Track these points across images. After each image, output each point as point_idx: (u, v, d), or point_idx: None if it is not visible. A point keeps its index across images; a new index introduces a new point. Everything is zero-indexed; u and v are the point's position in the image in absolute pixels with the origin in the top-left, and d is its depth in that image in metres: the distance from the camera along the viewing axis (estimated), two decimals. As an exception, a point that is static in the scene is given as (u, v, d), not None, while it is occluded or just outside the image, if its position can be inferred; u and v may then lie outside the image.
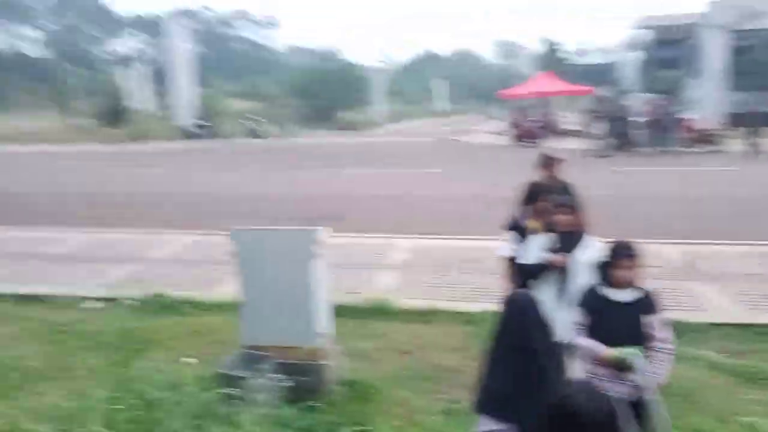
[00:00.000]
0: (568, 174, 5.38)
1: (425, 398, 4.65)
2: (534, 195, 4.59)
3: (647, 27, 32.25)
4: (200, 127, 31.20)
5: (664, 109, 19.43)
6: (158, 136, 31.09)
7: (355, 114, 42.13)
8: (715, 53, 26.91)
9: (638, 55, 38.15)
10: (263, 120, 33.52)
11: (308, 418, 4.09)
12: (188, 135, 30.73)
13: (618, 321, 3.17)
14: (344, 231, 10.11)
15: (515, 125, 24.05)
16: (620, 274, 3.20)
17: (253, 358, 4.44)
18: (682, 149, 19.13)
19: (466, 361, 5.14)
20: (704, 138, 19.07)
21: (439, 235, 9.60)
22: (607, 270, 3.24)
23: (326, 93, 40.61)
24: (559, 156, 5.37)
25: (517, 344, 2.39)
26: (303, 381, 4.39)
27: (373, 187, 14.82)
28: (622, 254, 3.22)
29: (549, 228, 4.21)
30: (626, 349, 3.07)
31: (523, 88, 27.45)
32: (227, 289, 6.47)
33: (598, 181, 12.92)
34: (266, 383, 4.20)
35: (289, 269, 4.50)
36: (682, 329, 5.62)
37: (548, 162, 5.25)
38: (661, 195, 12.68)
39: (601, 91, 27.39)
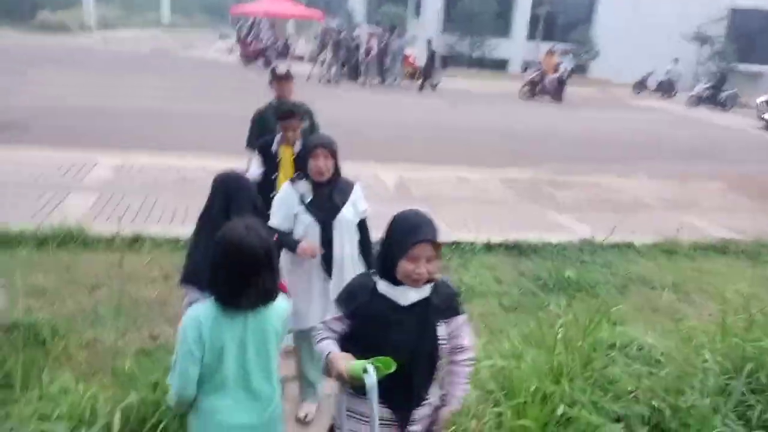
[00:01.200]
0: (298, 96, 4.91)
1: (117, 338, 3.94)
2: (281, 115, 4.04)
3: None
4: None
5: (389, 43, 20.19)
6: None
7: (62, 15, 36.08)
8: (433, -5, 28.94)
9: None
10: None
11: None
12: None
13: (401, 329, 2.16)
14: (30, 144, 8.48)
15: (244, 44, 22.91)
16: (409, 268, 2.11)
17: None
18: (402, 82, 20.35)
19: (170, 292, 4.53)
20: (425, 76, 20.36)
21: (150, 152, 8.54)
22: (389, 260, 2.16)
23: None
24: (290, 73, 4.78)
25: (221, 220, 2.45)
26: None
27: (75, 96, 12.69)
28: (417, 238, 2.10)
29: (298, 163, 3.69)
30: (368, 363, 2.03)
31: (255, 6, 26.21)
32: None
33: (326, 105, 12.87)
34: None
35: None
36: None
37: (281, 78, 4.71)
38: (387, 121, 13.19)
39: (331, 21, 27.53)
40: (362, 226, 3.34)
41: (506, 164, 10.04)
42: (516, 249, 6.36)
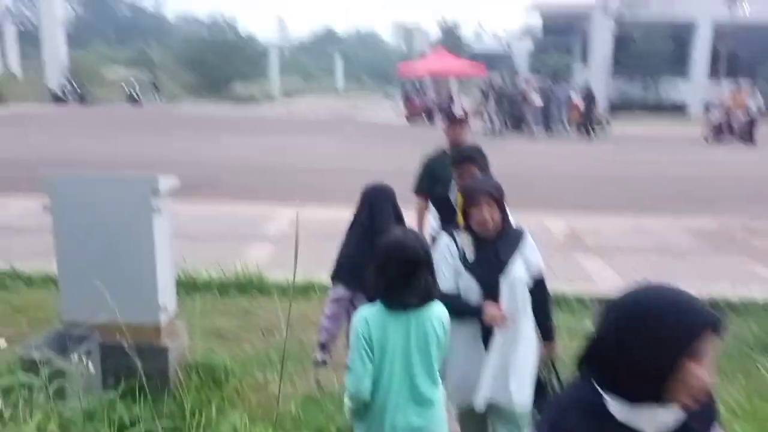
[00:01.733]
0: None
1: (287, 382, 4.00)
2: (456, 160, 3.65)
3: (537, 13, 33.00)
4: (69, 90, 28.71)
5: (554, 93, 19.75)
6: (24, 98, 28.23)
7: (250, 87, 40.40)
8: (601, 41, 28.01)
9: (529, 42, 39.23)
10: (147, 86, 31.40)
11: (138, 409, 3.33)
12: (56, 98, 28.25)
13: None
14: (218, 199, 9.29)
15: (409, 102, 23.73)
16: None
17: (72, 337, 3.59)
18: (571, 130, 19.66)
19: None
20: (594, 122, 19.61)
21: (324, 204, 8.93)
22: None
23: (219, 64, 38.58)
24: (466, 116, 4.49)
25: (367, 224, 2.99)
26: (137, 365, 3.60)
27: (259, 156, 13.86)
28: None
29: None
30: None
31: (419, 65, 27.21)
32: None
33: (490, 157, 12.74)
34: (82, 368, 3.36)
35: (120, 227, 3.66)
36: (569, 302, 5.39)
37: (456, 121, 4.36)
38: (551, 170, 12.71)
39: (495, 75, 27.72)
40: (538, 287, 2.70)
41: (691, 212, 9.09)
42: (708, 306, 5.59)
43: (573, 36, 32.78)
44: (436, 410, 2.35)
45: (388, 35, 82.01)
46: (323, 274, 5.88)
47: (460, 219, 3.34)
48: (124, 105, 29.26)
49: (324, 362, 3.31)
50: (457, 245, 2.63)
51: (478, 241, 2.61)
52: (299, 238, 7.37)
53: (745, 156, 15.81)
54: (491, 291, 2.58)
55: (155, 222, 3.69)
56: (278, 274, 5.95)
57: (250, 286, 5.72)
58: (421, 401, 2.30)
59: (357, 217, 3.23)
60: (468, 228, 2.61)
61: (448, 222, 3.60)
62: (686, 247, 7.41)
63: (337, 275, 3.19)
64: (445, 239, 2.70)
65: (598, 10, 27.30)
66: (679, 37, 27.31)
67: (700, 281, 6.18)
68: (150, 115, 25.02)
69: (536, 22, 37.94)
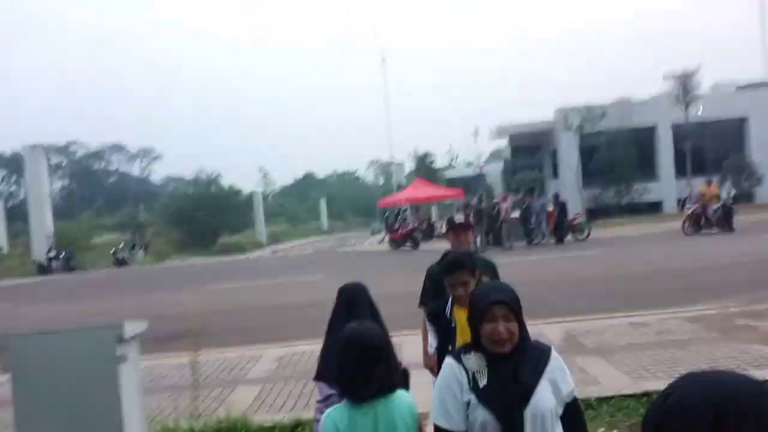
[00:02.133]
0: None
1: None
2: (445, 268, 3.30)
3: (503, 136, 34.55)
4: (54, 259, 28.81)
5: (531, 206, 20.13)
6: (10, 273, 28.21)
7: (238, 237, 40.96)
8: (568, 154, 29.17)
9: (500, 163, 40.79)
10: (135, 247, 31.69)
11: None
12: (41, 269, 28.26)
13: None
14: (203, 347, 8.94)
15: (392, 230, 23.98)
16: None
17: None
18: (551, 240, 19.80)
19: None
20: (571, 229, 19.87)
21: (311, 339, 8.61)
22: None
23: (205, 218, 39.42)
24: (468, 222, 4.48)
25: (345, 322, 2.72)
26: None
27: (245, 300, 13.62)
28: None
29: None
30: None
31: (399, 195, 27.92)
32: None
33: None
34: None
35: (84, 382, 3.40)
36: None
37: (457, 228, 4.19)
38: (539, 279, 12.56)
39: (471, 197, 28.45)
40: (571, 414, 2.15)
41: (686, 303, 8.89)
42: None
43: (541, 152, 34.20)
44: None
45: (365, 172, 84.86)
46: (312, 412, 5.54)
47: (461, 338, 3.04)
48: (111, 268, 29.28)
49: None
50: (466, 370, 2.11)
51: (492, 363, 2.09)
52: (287, 377, 7.03)
53: (725, 242, 15.87)
54: (513, 426, 2.02)
55: (121, 371, 3.45)
56: (265, 417, 5.57)
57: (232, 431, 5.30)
58: None
59: (334, 316, 3.31)
60: (477, 346, 2.13)
61: (445, 340, 3.32)
62: (688, 336, 7.13)
63: (321, 377, 3.22)
64: (450, 363, 2.17)
65: (559, 127, 28.69)
66: (642, 141, 28.57)
67: (708, 367, 5.87)
68: (136, 273, 24.95)
69: (505, 143, 39.69)
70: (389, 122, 64.87)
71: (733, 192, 19.06)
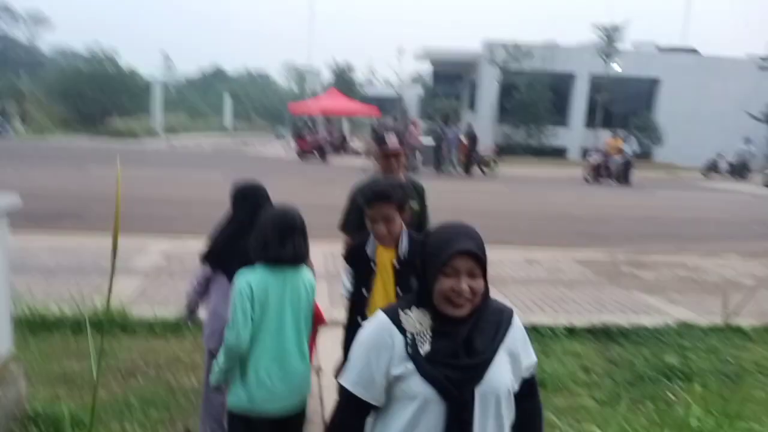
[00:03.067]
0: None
1: (147, 431, 3.42)
2: (369, 199, 2.70)
3: (427, 59, 34.19)
4: None
5: (446, 134, 20.26)
6: None
7: (130, 122, 38.50)
8: (487, 89, 29.40)
9: (420, 89, 40.57)
10: (13, 118, 29.12)
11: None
12: None
13: None
14: (82, 231, 8.43)
15: (300, 139, 23.42)
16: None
17: None
18: (459, 170, 20.18)
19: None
20: (480, 162, 20.29)
21: (203, 237, 8.32)
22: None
23: (96, 97, 36.64)
24: (403, 144, 3.58)
25: (246, 219, 3.03)
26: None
27: (131, 188, 12.88)
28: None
29: (401, 277, 2.67)
30: None
31: (312, 104, 27.16)
32: None
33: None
34: None
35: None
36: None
37: (389, 150, 3.45)
38: (444, 207, 12.77)
39: (386, 119, 28.20)
40: (527, 393, 1.79)
41: (578, 245, 9.35)
42: (603, 334, 5.59)
43: (461, 83, 34.27)
44: (303, 366, 2.64)
45: (279, 76, 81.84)
46: (199, 311, 5.35)
47: (380, 286, 2.70)
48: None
49: (190, 320, 3.57)
50: (402, 331, 1.67)
51: (440, 325, 1.66)
52: (172, 272, 6.76)
53: (622, 195, 16.82)
54: (459, 406, 1.62)
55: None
56: (146, 310, 5.31)
57: (112, 324, 5.03)
58: (290, 354, 2.59)
59: (232, 210, 3.30)
60: (421, 301, 1.69)
61: (360, 284, 2.75)
62: (577, 278, 7.53)
63: (207, 258, 3.29)
64: (381, 320, 1.71)
65: (484, 59, 28.70)
66: (560, 88, 29.24)
67: (594, 309, 6.24)
68: (11, 146, 22.98)
69: (427, 68, 39.36)
70: (311, 27, 62.30)
71: (635, 148, 20.09)
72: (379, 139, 3.51)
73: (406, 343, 1.65)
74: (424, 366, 1.62)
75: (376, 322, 1.71)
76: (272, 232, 2.59)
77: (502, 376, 1.67)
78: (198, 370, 4.38)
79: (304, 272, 2.69)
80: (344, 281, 2.93)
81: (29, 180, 13.11)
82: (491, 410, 1.66)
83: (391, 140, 3.46)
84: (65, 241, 7.84)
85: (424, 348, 1.64)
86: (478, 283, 1.65)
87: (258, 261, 2.61)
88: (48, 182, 13.06)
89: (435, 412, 1.63)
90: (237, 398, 2.58)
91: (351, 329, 2.70)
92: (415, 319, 1.67)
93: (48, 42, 72.96)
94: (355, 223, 3.21)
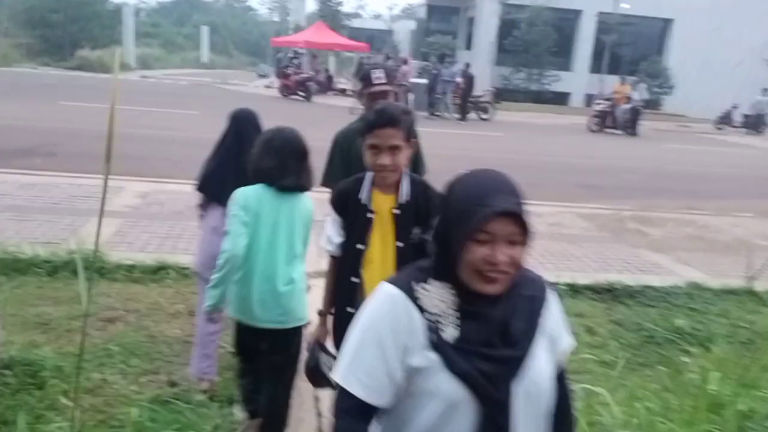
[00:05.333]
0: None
1: (130, 381, 3.47)
2: (370, 126, 2.41)
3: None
4: None
5: (441, 74, 19.96)
6: None
7: (100, 53, 37.54)
8: (486, 26, 28.88)
9: (412, 23, 39.76)
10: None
11: None
12: None
13: None
14: (54, 169, 8.33)
15: (284, 76, 22.99)
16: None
17: None
18: (455, 115, 19.98)
19: (193, 328, 4.04)
20: (476, 106, 20.12)
21: (181, 179, 8.23)
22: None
23: (63, 25, 35.63)
24: (392, 80, 3.37)
25: (233, 146, 3.23)
26: None
27: (104, 124, 12.66)
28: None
29: (400, 229, 2.44)
30: None
31: (296, 37, 26.59)
32: None
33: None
34: None
35: None
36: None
37: (377, 89, 3.19)
38: (437, 153, 12.70)
39: (376, 55, 27.69)
40: (560, 374, 1.54)
41: (581, 199, 9.38)
42: (609, 293, 5.64)
43: (458, 19, 33.62)
44: (295, 283, 2.80)
45: (260, 6, 79.79)
46: (180, 256, 5.34)
47: (378, 240, 2.44)
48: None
49: None
50: (421, 310, 1.38)
51: (468, 305, 1.38)
52: (151, 214, 6.73)
53: (629, 146, 16.84)
54: (497, 408, 1.37)
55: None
56: (124, 254, 5.30)
57: (88, 268, 4.99)
58: (282, 271, 2.75)
59: (224, 138, 3.37)
60: (443, 273, 1.41)
61: (352, 239, 2.47)
62: (581, 234, 7.57)
63: (201, 188, 3.39)
64: (393, 295, 1.41)
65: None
66: (564, 26, 28.78)
67: (598, 266, 6.30)
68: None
69: (420, 1, 38.50)
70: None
71: (644, 96, 19.99)
72: (365, 77, 3.26)
73: (429, 327, 1.36)
74: (453, 357, 1.34)
75: (388, 298, 1.41)
76: (285, 157, 2.67)
77: (543, 367, 1.42)
78: (181, 318, 4.40)
79: (305, 199, 2.80)
80: (329, 233, 2.54)
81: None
82: (532, 410, 1.40)
83: (378, 77, 3.21)
84: (36, 179, 7.75)
85: (450, 334, 1.36)
86: (518, 252, 1.35)
87: (261, 181, 2.71)
88: (17, 116, 12.78)
89: (465, 415, 1.36)
90: (231, 307, 2.86)
91: (344, 294, 2.50)
92: (438, 296, 1.39)
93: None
94: (340, 173, 2.95)
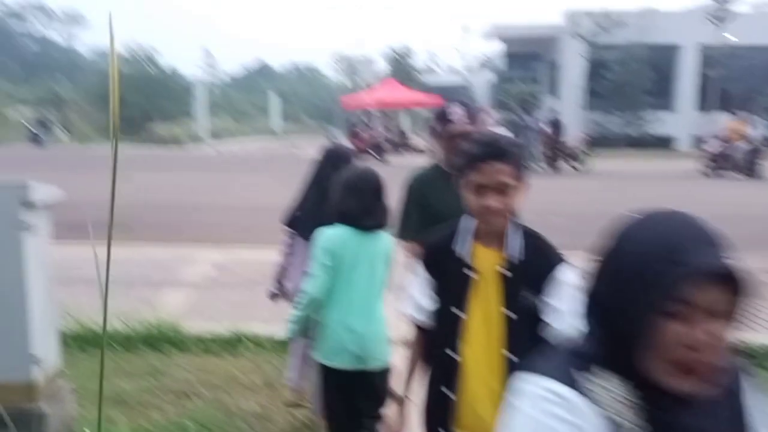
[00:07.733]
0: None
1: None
2: (472, 160, 2.11)
3: (497, 38, 33.77)
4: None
5: (526, 124, 19.89)
6: None
7: (173, 127, 39.91)
8: (571, 68, 28.74)
9: (490, 73, 40.08)
10: (54, 126, 30.98)
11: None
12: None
13: None
14: (129, 241, 8.74)
15: (355, 137, 23.51)
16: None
17: None
18: (544, 167, 19.78)
19: (272, 403, 4.08)
20: (567, 154, 19.87)
21: (254, 246, 8.46)
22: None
23: (138, 102, 38.21)
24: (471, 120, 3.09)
25: (326, 183, 3.44)
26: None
27: (179, 195, 13.33)
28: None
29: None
30: None
31: (367, 96, 27.32)
32: None
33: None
34: None
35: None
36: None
37: (454, 129, 2.99)
38: (541, 211, 12.52)
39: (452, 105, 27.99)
40: None
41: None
42: (745, 355, 5.26)
43: (539, 64, 33.61)
44: (378, 322, 3.01)
45: (328, 69, 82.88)
46: (254, 325, 5.42)
47: (479, 309, 2.08)
48: (25, 146, 28.77)
49: (275, 295, 3.96)
50: (597, 406, 1.09)
51: (657, 404, 1.08)
52: (224, 283, 6.90)
53: (751, 190, 16.06)
54: None
55: (26, 243, 3.21)
56: (199, 326, 5.44)
57: (163, 340, 5.16)
58: (366, 310, 2.97)
59: (318, 174, 3.72)
60: (621, 366, 1.10)
61: (448, 304, 2.13)
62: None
63: (289, 224, 3.81)
64: (551, 390, 1.12)
65: (566, 33, 28.08)
66: (661, 63, 28.23)
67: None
68: (54, 155, 24.25)
69: (497, 49, 38.90)
70: (361, 9, 62.68)
71: (763, 132, 19.08)
72: (441, 115, 3.03)
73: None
74: None
75: (556, 398, 1.10)
76: (359, 195, 2.93)
77: None
78: (258, 391, 4.42)
79: (385, 238, 3.02)
80: (416, 297, 2.20)
81: (74, 190, 13.65)
82: None
83: (457, 113, 2.96)
84: (113, 252, 8.14)
85: None
86: (724, 329, 1.04)
87: (343, 222, 2.96)
88: (92, 191, 13.64)
89: None
90: (316, 350, 3.08)
91: (438, 370, 2.14)
92: (617, 395, 1.08)
93: (85, 43, 76.49)
94: (417, 225, 2.89)
